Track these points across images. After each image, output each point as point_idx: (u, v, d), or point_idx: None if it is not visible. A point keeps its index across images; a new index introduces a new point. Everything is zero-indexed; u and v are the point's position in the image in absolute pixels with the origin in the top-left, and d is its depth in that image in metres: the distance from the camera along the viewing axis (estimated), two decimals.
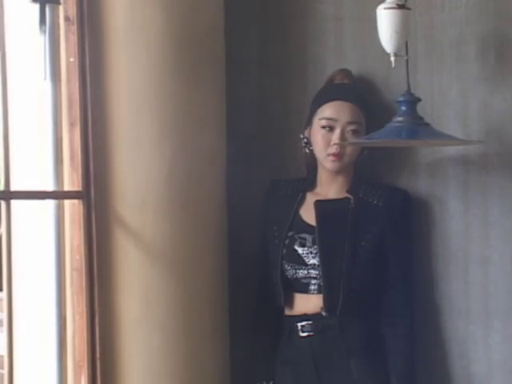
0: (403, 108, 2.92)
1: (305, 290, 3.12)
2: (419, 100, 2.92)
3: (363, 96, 3.20)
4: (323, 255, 3.08)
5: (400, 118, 2.92)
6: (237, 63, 3.34)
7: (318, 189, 3.21)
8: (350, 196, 3.16)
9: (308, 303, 3.11)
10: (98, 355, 2.99)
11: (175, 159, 3.09)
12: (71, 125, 3.02)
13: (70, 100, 3.02)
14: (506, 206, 3.10)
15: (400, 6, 2.85)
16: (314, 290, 3.11)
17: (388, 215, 3.13)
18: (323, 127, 3.11)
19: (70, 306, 3.03)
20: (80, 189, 3.01)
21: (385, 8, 2.86)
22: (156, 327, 3.07)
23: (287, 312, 3.16)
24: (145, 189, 3.05)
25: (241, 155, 3.35)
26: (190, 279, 3.13)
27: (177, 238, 3.10)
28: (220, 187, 3.28)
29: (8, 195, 2.79)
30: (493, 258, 3.12)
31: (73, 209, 3.03)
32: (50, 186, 3.06)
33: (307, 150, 3.20)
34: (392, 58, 2.86)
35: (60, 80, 3.03)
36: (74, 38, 2.99)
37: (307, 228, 3.14)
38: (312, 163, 3.21)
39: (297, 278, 3.12)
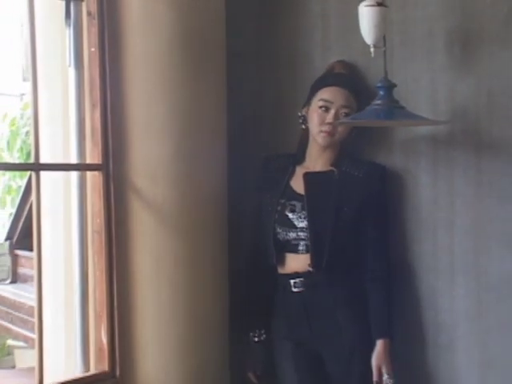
0: (381, 93, 2.89)
1: (295, 250, 3.09)
2: (395, 86, 2.90)
3: (358, 85, 3.19)
4: (311, 219, 3.05)
5: (378, 102, 2.90)
6: (236, 54, 3.33)
7: (307, 163, 3.18)
8: (334, 169, 3.13)
9: (298, 262, 3.09)
10: (115, 306, 3.02)
11: (181, 136, 3.09)
12: (92, 106, 3.03)
13: (91, 84, 3.03)
14: (468, 177, 3.09)
15: (379, 4, 2.83)
16: (302, 250, 3.08)
17: (367, 186, 3.11)
18: (320, 107, 3.10)
19: (92, 263, 3.07)
20: (100, 162, 3.02)
21: (365, 6, 2.84)
22: (165, 281, 3.08)
23: (280, 271, 3.14)
24: (155, 161, 3.05)
25: (239, 134, 3.34)
26: (194, 239, 3.13)
27: (183, 203, 3.10)
28: (221, 160, 3.28)
29: (37, 167, 2.85)
30: (457, 223, 3.10)
31: (93, 179, 3.05)
32: (73, 160, 3.10)
33: (303, 126, 3.18)
34: (372, 49, 2.85)
35: (83, 67, 3.05)
36: (94, 30, 3.00)
37: (297, 196, 3.12)
38: (304, 139, 3.19)
39: (287, 239, 3.10)
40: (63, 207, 3.19)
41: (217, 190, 3.26)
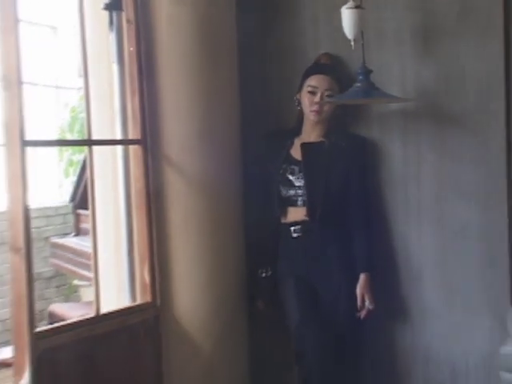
0: (360, 77, 2.91)
1: (294, 204, 3.13)
2: (371, 71, 2.92)
3: (339, 72, 3.18)
4: (307, 180, 3.09)
5: (358, 84, 2.91)
6: (245, 49, 3.29)
7: (303, 135, 3.20)
8: (325, 140, 3.15)
9: (297, 213, 3.12)
10: (155, 251, 3.05)
11: (204, 116, 3.09)
12: (132, 93, 3.05)
13: (131, 76, 3.04)
14: (431, 143, 3.10)
15: (357, 7, 2.84)
16: (300, 204, 3.12)
17: (351, 153, 3.12)
18: (309, 92, 3.12)
19: (135, 217, 3.09)
20: (139, 138, 3.04)
21: (347, 8, 2.86)
22: (193, 230, 3.09)
23: (283, 220, 3.15)
24: (183, 137, 3.06)
25: (249, 113, 3.32)
26: (215, 198, 3.13)
27: (206, 170, 3.10)
28: (235, 135, 3.26)
29: (90, 142, 2.89)
30: (423, 179, 3.13)
31: (134, 151, 3.07)
32: (118, 136, 3.12)
33: (298, 108, 3.19)
34: (352, 43, 2.86)
35: (124, 63, 3.06)
36: (132, 33, 3.02)
37: (295, 162, 3.15)
38: (300, 117, 3.20)
39: (289, 196, 3.14)
40: (111, 174, 3.20)
41: (233, 160, 3.24)
